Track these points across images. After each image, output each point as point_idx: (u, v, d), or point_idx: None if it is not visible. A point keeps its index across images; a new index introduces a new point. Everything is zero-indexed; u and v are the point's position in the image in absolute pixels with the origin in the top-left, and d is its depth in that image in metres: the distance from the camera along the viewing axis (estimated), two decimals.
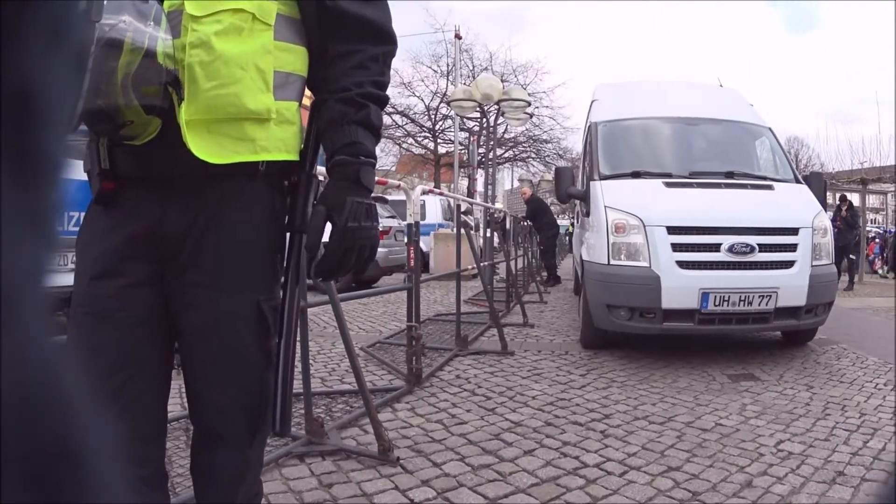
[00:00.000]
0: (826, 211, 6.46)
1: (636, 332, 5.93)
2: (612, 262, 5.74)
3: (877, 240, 28.47)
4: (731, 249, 5.56)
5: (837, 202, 17.29)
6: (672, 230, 5.60)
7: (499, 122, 15.65)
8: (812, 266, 5.85)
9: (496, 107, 14.23)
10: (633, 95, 7.77)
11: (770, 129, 7.27)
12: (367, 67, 1.34)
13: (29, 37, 0.31)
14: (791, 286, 5.68)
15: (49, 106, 0.33)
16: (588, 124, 7.75)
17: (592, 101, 7.95)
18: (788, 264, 5.77)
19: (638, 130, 7.06)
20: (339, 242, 1.26)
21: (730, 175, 6.42)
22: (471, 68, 28.92)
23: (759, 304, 5.63)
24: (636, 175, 6.35)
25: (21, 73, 0.31)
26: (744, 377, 5.49)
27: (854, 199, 17.99)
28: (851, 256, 16.02)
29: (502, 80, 23.26)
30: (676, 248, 5.60)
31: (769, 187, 6.40)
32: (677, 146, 6.96)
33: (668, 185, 6.15)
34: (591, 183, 6.43)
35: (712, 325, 5.78)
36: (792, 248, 5.79)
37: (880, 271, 25.02)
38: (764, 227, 5.76)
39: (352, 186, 1.28)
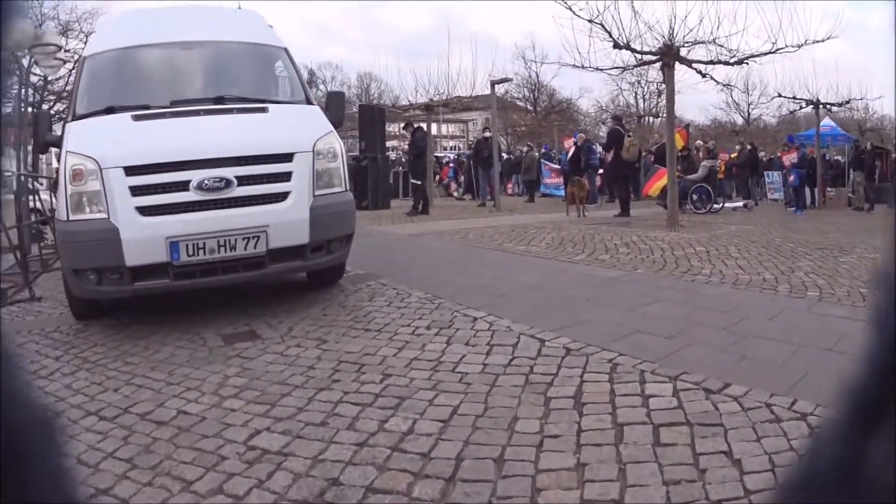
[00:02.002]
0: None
1: (110, 296, 5.97)
2: (73, 216, 5.68)
3: (450, 164, 33.06)
4: (200, 187, 5.60)
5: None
6: (131, 171, 5.57)
7: None
8: (314, 196, 6.01)
9: None
10: (132, 23, 7.99)
11: (285, 49, 7.67)
12: None
13: None
14: (285, 222, 5.84)
15: None
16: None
17: (90, 34, 8.08)
18: (280, 197, 5.90)
19: (123, 61, 7.17)
20: None
21: (220, 101, 6.53)
22: None
23: (246, 248, 5.68)
24: (110, 111, 6.35)
25: None
26: (243, 336, 5.31)
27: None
28: (415, 181, 17.62)
29: None
30: (137, 191, 5.56)
31: (262, 110, 6.55)
32: (162, 74, 7.20)
33: (137, 118, 6.16)
34: (66, 126, 6.60)
35: (193, 279, 5.72)
36: (284, 177, 5.95)
37: (455, 194, 28.96)
38: (243, 157, 5.84)
39: None
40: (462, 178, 28.21)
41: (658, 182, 17.08)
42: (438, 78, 21.34)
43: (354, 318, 5.66)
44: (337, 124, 6.99)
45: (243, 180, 5.76)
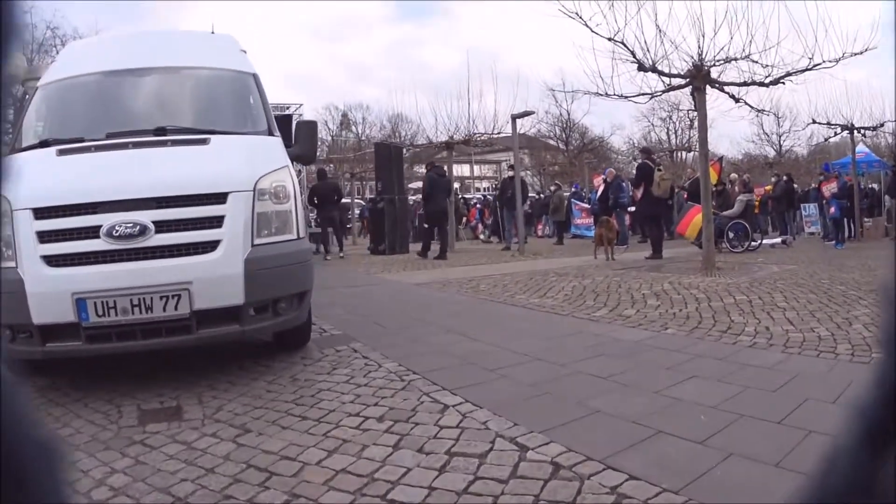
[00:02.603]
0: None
1: (24, 357, 5.02)
2: None
3: (477, 206, 31.83)
4: (111, 233, 4.75)
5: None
6: (39, 213, 4.86)
7: None
8: (254, 246, 4.98)
9: None
10: (93, 50, 7.48)
11: (254, 75, 6.78)
12: None
13: None
14: (213, 278, 4.83)
15: None
16: None
17: (50, 63, 7.64)
18: (208, 247, 4.91)
19: (73, 90, 6.59)
20: None
21: (161, 132, 5.69)
22: None
23: (166, 309, 4.70)
24: (45, 144, 5.74)
25: None
26: (163, 414, 4.35)
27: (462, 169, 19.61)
28: (424, 225, 16.65)
29: None
30: (44, 237, 4.82)
31: (202, 142, 5.61)
32: (106, 103, 6.48)
33: (62, 152, 5.46)
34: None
35: (109, 343, 4.79)
36: (214, 222, 4.97)
37: (482, 236, 27.79)
38: (164, 198, 4.91)
39: None
40: (489, 220, 26.89)
41: (692, 221, 15.68)
42: (459, 115, 20.25)
43: (299, 398, 4.50)
44: (307, 159, 6.29)
45: (163, 226, 4.80)
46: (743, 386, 4.20)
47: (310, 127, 6.78)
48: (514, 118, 16.71)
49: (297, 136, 6.47)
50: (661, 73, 10.88)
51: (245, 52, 7.38)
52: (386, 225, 17.80)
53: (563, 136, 51.15)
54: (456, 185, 53.48)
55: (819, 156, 40.20)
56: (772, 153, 46.69)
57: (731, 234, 15.68)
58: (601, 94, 11.49)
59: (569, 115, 49.57)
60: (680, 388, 4.21)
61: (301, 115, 19.85)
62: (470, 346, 5.68)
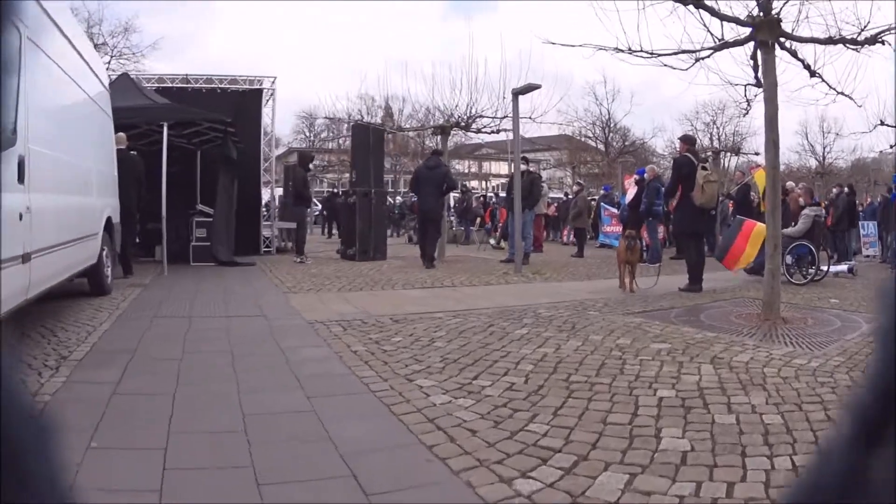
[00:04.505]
0: None
1: None
2: None
3: (493, 205, 27.51)
4: None
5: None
6: None
7: None
8: None
9: None
10: None
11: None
12: None
13: None
14: None
15: None
16: None
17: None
18: None
19: None
20: None
21: None
22: None
23: None
24: None
25: None
26: None
27: None
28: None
29: None
30: None
31: None
32: None
33: None
34: None
35: None
36: None
37: (492, 241, 23.38)
38: None
39: None
40: (501, 223, 22.49)
41: (747, 248, 10.79)
42: (458, 98, 16.09)
43: None
44: None
45: None
46: None
47: None
48: (516, 94, 12.45)
49: None
50: (708, 11, 6.74)
51: None
52: (357, 225, 13.87)
53: (604, 136, 46.79)
54: (473, 182, 49.53)
55: (859, 172, 35.73)
56: (813, 164, 42.10)
57: (789, 260, 11.15)
58: (622, 51, 7.41)
59: (609, 114, 45.27)
60: None
61: (274, 90, 16.16)
62: None
